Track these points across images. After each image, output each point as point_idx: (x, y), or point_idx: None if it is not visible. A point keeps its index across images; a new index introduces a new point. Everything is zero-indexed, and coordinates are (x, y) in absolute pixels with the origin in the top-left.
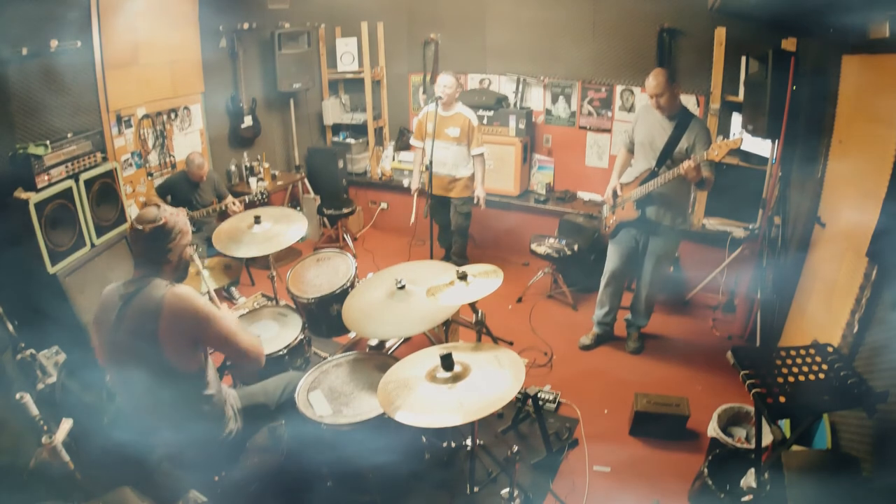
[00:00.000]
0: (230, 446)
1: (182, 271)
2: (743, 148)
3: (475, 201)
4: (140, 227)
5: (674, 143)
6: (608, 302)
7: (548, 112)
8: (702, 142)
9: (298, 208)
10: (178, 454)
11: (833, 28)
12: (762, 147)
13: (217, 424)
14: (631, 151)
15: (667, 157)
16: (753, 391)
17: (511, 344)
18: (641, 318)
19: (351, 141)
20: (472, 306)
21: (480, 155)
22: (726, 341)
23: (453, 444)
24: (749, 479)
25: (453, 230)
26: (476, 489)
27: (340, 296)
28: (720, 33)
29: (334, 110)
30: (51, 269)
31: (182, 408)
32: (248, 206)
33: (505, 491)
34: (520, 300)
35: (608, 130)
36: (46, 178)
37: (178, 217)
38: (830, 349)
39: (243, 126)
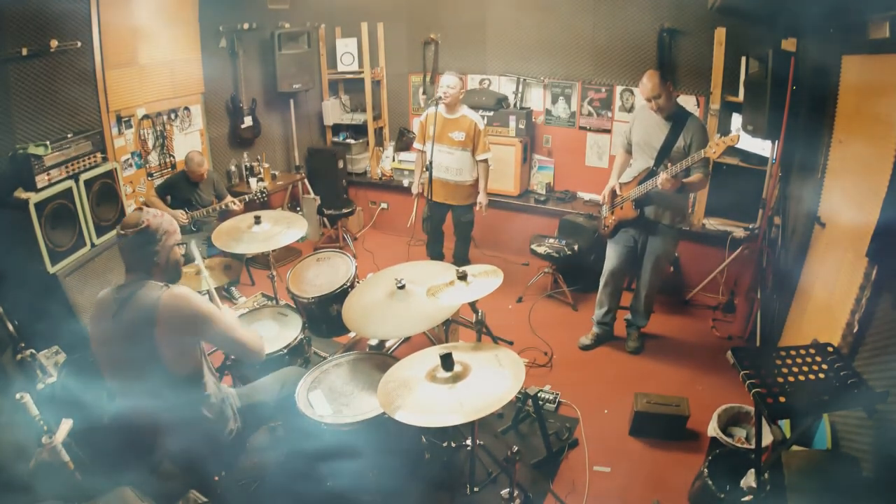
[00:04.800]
0: (230, 446)
1: (173, 271)
2: (743, 148)
3: (477, 207)
4: (123, 232)
5: (671, 141)
6: (607, 302)
7: (548, 112)
8: (699, 139)
9: (298, 208)
10: (178, 455)
11: (833, 28)
12: (762, 147)
13: (217, 425)
14: (629, 152)
15: (665, 155)
16: (753, 391)
17: (511, 344)
18: (641, 318)
19: (351, 141)
20: (472, 306)
21: (485, 160)
22: (726, 341)
23: (453, 444)
24: (749, 479)
25: (456, 237)
26: (476, 489)
27: (340, 296)
28: (720, 33)
29: (334, 110)
30: (51, 269)
31: (180, 411)
32: (248, 205)
33: (505, 491)
34: (520, 300)
35: (608, 131)
36: (46, 178)
37: (161, 218)
38: (830, 349)
39: (243, 126)
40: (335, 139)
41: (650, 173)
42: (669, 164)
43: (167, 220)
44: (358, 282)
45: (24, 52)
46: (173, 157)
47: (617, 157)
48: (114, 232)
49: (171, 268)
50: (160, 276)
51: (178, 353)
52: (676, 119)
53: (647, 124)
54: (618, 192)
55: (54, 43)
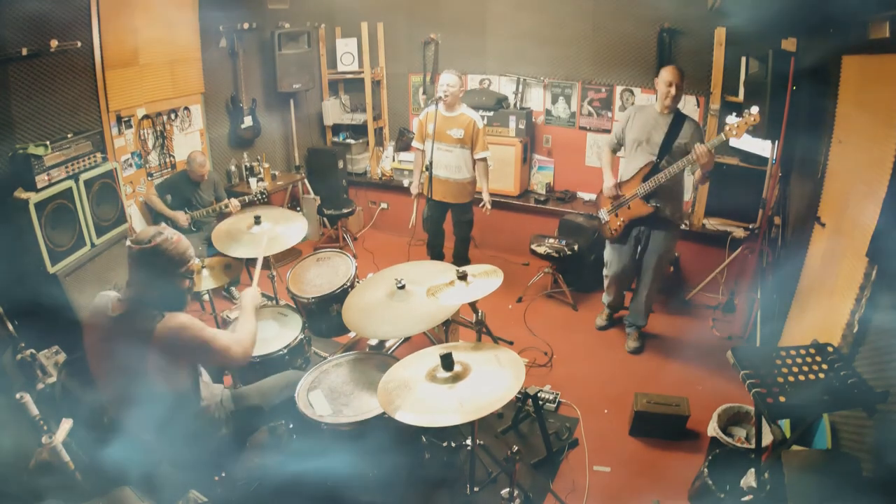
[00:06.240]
0: (227, 448)
1: (175, 301)
2: (743, 148)
3: (481, 206)
4: (129, 245)
5: (672, 137)
6: (615, 293)
7: (548, 112)
8: (698, 140)
9: (298, 208)
10: (174, 458)
11: (833, 28)
12: (762, 147)
13: (209, 429)
14: (615, 151)
15: (667, 150)
16: (753, 391)
17: (511, 343)
18: (641, 318)
19: (351, 141)
20: (472, 306)
21: (484, 160)
22: (726, 341)
23: (453, 444)
24: (749, 479)
25: (455, 236)
26: (476, 489)
27: (340, 296)
28: (720, 33)
29: (334, 110)
30: (51, 269)
31: (173, 421)
32: (248, 206)
33: (505, 491)
34: (520, 300)
35: (608, 131)
36: (46, 178)
37: (175, 244)
38: (830, 349)
39: (243, 126)
40: (335, 139)
41: (655, 168)
42: (667, 159)
43: (182, 248)
44: (358, 282)
45: (24, 52)
46: (173, 158)
47: (604, 153)
48: (114, 232)
49: (172, 297)
50: (156, 303)
51: (169, 377)
52: (676, 117)
53: (646, 122)
54: (619, 192)
55: (54, 43)
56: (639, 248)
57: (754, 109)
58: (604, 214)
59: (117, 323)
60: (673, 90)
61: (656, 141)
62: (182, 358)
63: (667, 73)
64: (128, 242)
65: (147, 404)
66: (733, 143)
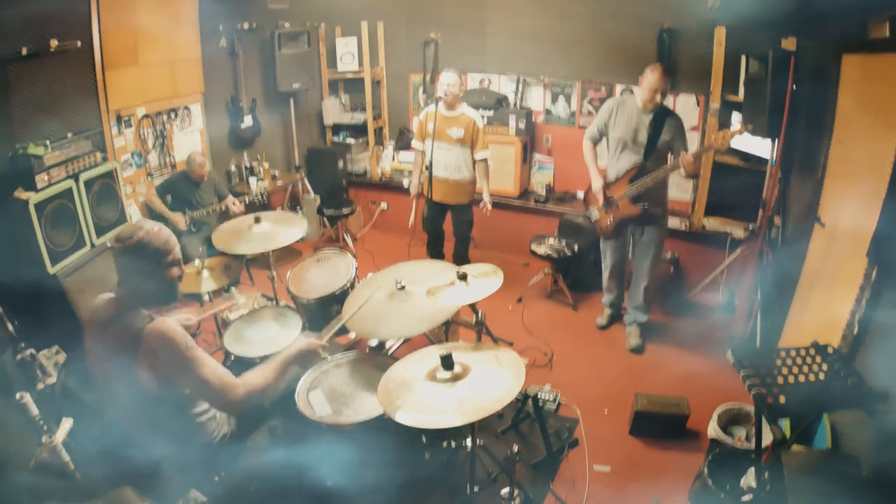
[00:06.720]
0: (224, 449)
1: (167, 293)
2: (743, 148)
3: (481, 206)
4: (111, 245)
5: (656, 135)
6: (616, 287)
7: (548, 112)
8: (681, 135)
9: (298, 208)
10: (172, 459)
11: (833, 28)
12: (762, 147)
13: (208, 432)
14: (596, 143)
15: (652, 150)
16: (753, 391)
17: (511, 344)
18: (642, 313)
19: (351, 141)
20: (472, 306)
21: (485, 160)
22: (726, 341)
23: (453, 445)
24: (749, 479)
25: (455, 237)
26: (476, 489)
27: (340, 296)
28: (720, 33)
29: (334, 110)
30: (51, 269)
31: (168, 424)
32: (249, 206)
33: (505, 491)
34: (520, 300)
35: None
36: (46, 177)
37: (157, 234)
38: (830, 349)
39: (243, 126)
40: (335, 139)
41: (641, 169)
42: (653, 159)
43: (163, 237)
44: (358, 282)
45: (24, 52)
46: (173, 157)
47: (587, 149)
48: (114, 232)
49: (164, 289)
50: (149, 299)
51: (159, 383)
52: (658, 114)
53: (630, 119)
54: (608, 193)
55: (54, 43)
56: (632, 241)
57: (738, 121)
58: (593, 213)
59: (110, 323)
60: (658, 97)
61: (641, 141)
62: (167, 373)
63: (654, 80)
64: (109, 244)
65: (146, 405)
66: (733, 143)
